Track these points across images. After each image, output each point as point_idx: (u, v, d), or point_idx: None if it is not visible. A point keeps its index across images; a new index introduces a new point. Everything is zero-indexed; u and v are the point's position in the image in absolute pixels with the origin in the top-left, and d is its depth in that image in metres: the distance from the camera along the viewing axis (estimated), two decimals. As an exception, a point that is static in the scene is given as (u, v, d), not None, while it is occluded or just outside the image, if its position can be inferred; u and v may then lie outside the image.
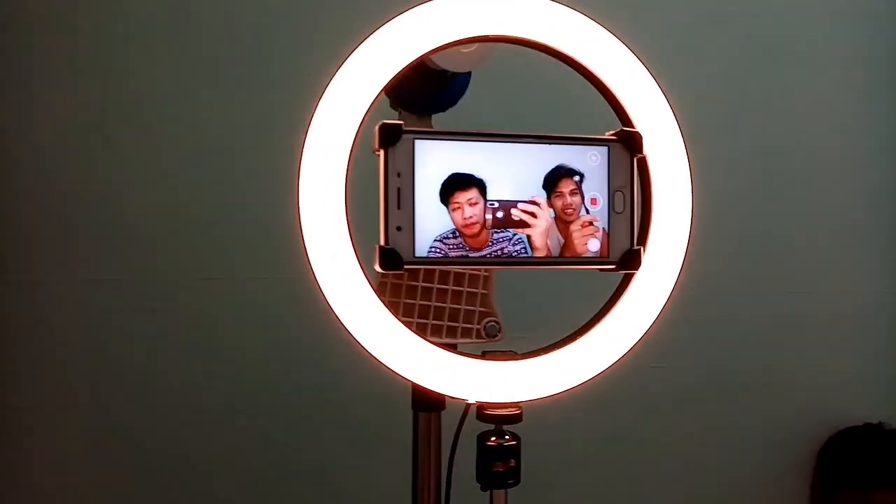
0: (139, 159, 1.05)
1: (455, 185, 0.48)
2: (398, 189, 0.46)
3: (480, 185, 0.48)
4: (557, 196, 0.49)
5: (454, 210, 0.48)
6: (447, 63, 0.57)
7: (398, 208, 0.46)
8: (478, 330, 0.55)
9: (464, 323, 0.55)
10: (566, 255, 0.49)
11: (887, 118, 1.25)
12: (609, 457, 1.16)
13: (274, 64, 1.06)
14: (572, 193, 0.49)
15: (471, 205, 0.48)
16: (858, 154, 1.24)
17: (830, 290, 1.21)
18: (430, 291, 0.54)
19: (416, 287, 0.54)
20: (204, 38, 1.06)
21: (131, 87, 1.05)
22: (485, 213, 0.48)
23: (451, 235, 0.48)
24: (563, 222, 0.49)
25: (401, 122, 0.47)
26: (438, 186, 0.47)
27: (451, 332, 0.55)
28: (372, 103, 0.48)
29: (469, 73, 0.62)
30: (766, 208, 1.21)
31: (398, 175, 0.46)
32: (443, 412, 0.59)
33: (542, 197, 0.49)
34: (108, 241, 1.04)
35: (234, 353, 1.06)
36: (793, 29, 1.21)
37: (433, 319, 0.54)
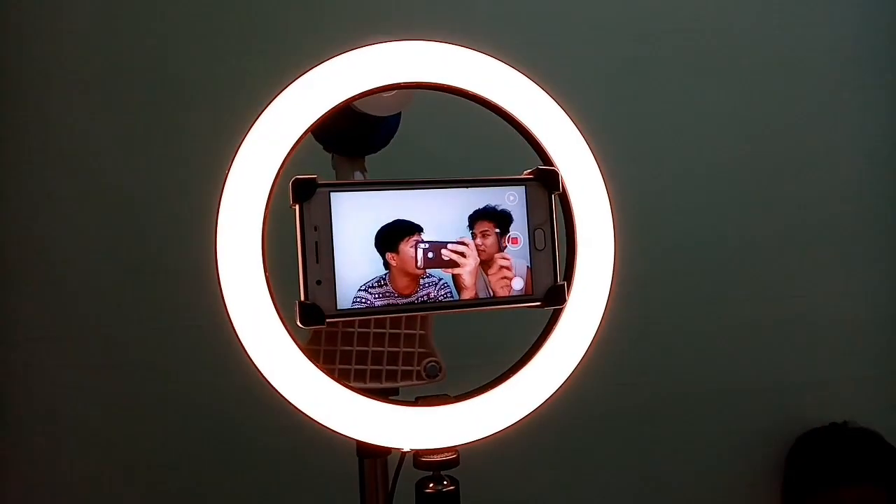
0: (78, 211, 1.04)
1: (405, 230, 0.48)
2: (316, 243, 0.46)
3: (420, 231, 0.49)
4: (480, 236, 0.49)
5: (409, 246, 0.48)
6: (370, 108, 0.57)
7: (317, 262, 0.46)
8: (418, 371, 0.55)
9: (403, 366, 0.54)
10: (491, 296, 0.50)
11: (844, 119, 1.27)
12: (577, 477, 1.16)
13: (210, 112, 1.05)
14: (484, 235, 0.49)
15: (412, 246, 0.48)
16: (820, 158, 1.26)
17: (789, 294, 1.22)
18: (367, 336, 0.53)
19: (352, 333, 0.53)
20: (138, 84, 1.06)
21: (71, 138, 1.04)
22: (416, 253, 0.49)
23: (376, 284, 0.48)
24: (484, 263, 0.50)
25: (314, 175, 0.47)
26: (363, 236, 0.47)
27: (391, 376, 0.54)
28: (288, 153, 0.48)
29: (398, 115, 0.63)
30: (724, 217, 1.22)
31: (315, 229, 0.46)
32: (389, 456, 0.59)
33: (468, 237, 0.50)
34: (48, 296, 1.03)
35: (186, 403, 1.05)
36: (734, 41, 1.24)
37: (371, 365, 0.54)
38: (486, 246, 0.49)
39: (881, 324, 1.25)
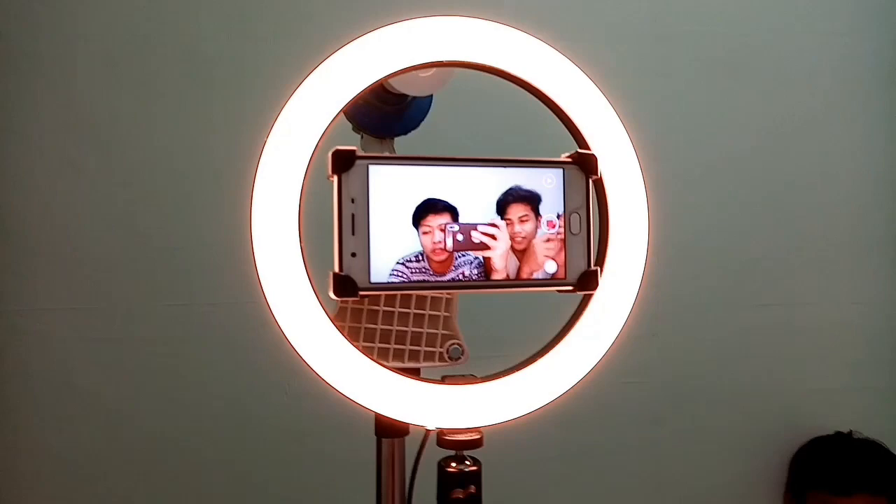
0: (100, 184, 1.04)
1: (429, 208, 0.48)
2: (352, 215, 0.46)
3: (454, 212, 0.48)
4: (508, 223, 0.49)
5: (425, 234, 0.48)
6: (405, 87, 0.57)
7: (353, 234, 0.46)
8: (441, 353, 0.55)
9: (426, 346, 0.54)
10: (524, 278, 0.49)
11: (853, 127, 1.27)
12: (583, 474, 1.16)
13: (237, 89, 1.06)
14: (522, 221, 0.49)
15: (441, 230, 0.48)
16: (832, 166, 1.26)
17: (800, 301, 1.23)
18: (392, 315, 0.53)
19: (377, 311, 0.53)
20: (166, 62, 1.06)
21: (94, 112, 1.04)
22: (445, 236, 0.48)
23: (414, 259, 0.48)
24: (516, 245, 0.49)
25: (354, 147, 0.47)
26: (400, 210, 0.47)
27: (414, 356, 0.54)
28: (326, 129, 0.48)
29: (430, 97, 0.62)
30: (735, 222, 1.22)
31: (352, 201, 0.46)
32: (407, 437, 0.59)
33: (499, 219, 0.49)
34: (67, 268, 1.03)
35: (198, 380, 1.05)
36: (755, 44, 1.24)
37: (395, 344, 0.54)
38: (524, 232, 0.49)
39: (891, 334, 1.25)
